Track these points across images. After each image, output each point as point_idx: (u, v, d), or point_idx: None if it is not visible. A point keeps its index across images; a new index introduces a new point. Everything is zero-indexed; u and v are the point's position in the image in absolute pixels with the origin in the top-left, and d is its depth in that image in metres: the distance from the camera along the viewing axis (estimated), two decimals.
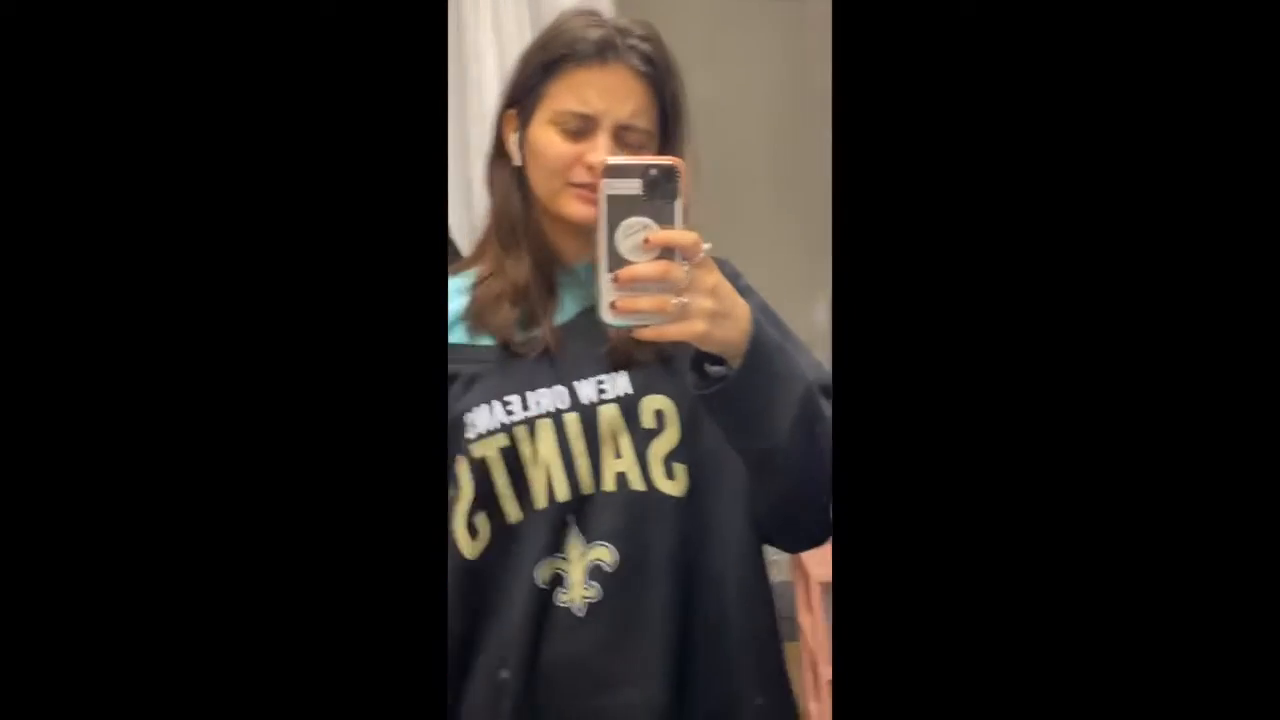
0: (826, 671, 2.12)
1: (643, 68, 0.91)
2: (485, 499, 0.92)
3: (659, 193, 0.81)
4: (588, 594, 0.91)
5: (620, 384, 0.93)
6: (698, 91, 0.97)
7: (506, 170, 0.97)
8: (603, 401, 0.92)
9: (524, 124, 0.94)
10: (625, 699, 0.89)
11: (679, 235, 0.79)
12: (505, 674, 0.91)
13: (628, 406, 0.92)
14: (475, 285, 0.97)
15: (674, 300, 0.79)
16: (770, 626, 0.97)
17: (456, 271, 1.01)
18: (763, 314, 0.88)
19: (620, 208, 0.80)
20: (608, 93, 0.91)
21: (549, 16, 1.68)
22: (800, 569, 2.31)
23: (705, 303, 0.79)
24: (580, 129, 0.91)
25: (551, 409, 0.92)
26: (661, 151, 0.93)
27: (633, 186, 0.81)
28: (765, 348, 0.83)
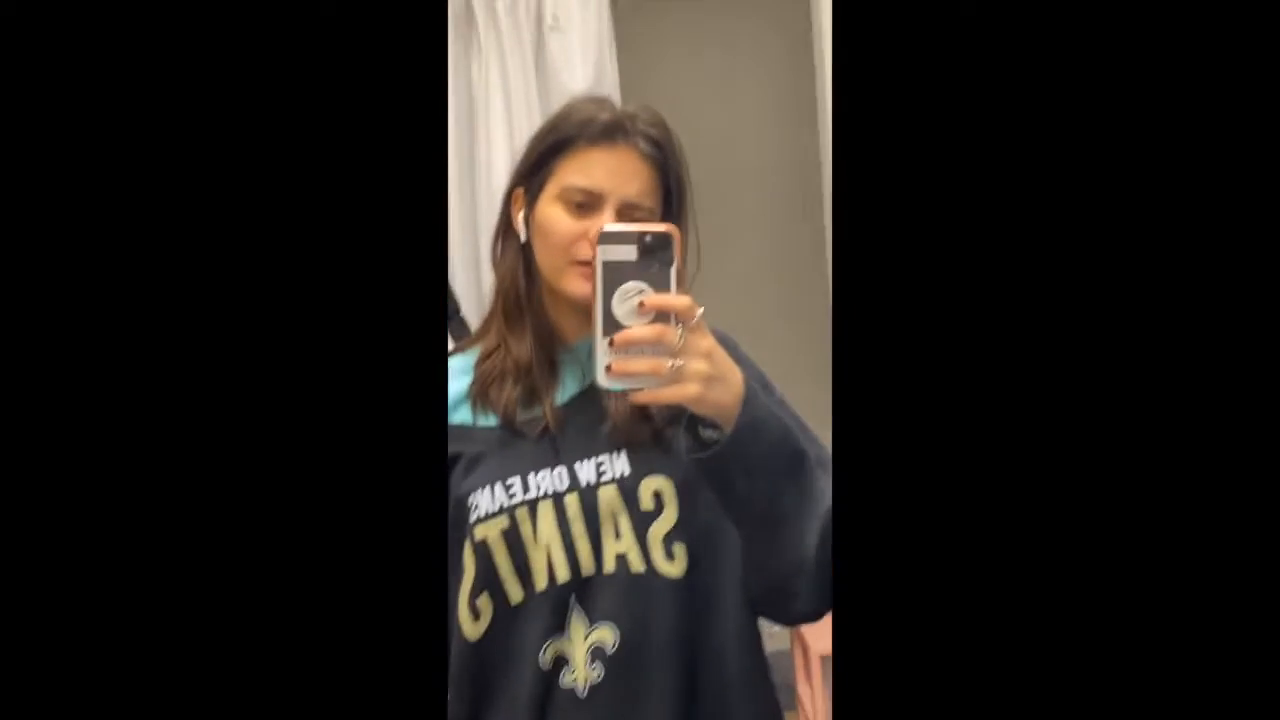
0: None
1: (649, 150, 0.93)
2: (487, 580, 0.92)
3: (655, 259, 0.82)
4: (591, 675, 0.90)
5: (619, 465, 0.93)
6: (700, 171, 0.99)
7: (513, 248, 0.98)
8: (602, 483, 0.92)
9: (531, 201, 0.95)
10: None
11: (674, 300, 0.79)
12: None
13: (627, 488, 0.92)
14: (479, 363, 0.98)
15: (669, 363, 0.79)
16: (771, 701, 0.97)
17: (463, 349, 1.02)
18: (759, 384, 0.89)
19: (616, 273, 0.81)
20: (614, 173, 0.92)
21: (558, 101, 1.76)
22: (799, 640, 2.30)
23: (700, 366, 0.79)
24: (586, 204, 0.92)
25: (551, 491, 0.92)
26: None
27: (629, 253, 0.81)
28: (758, 412, 0.83)
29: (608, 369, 0.80)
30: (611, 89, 2.02)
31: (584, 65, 2.04)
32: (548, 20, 2.02)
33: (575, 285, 0.91)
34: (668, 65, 2.74)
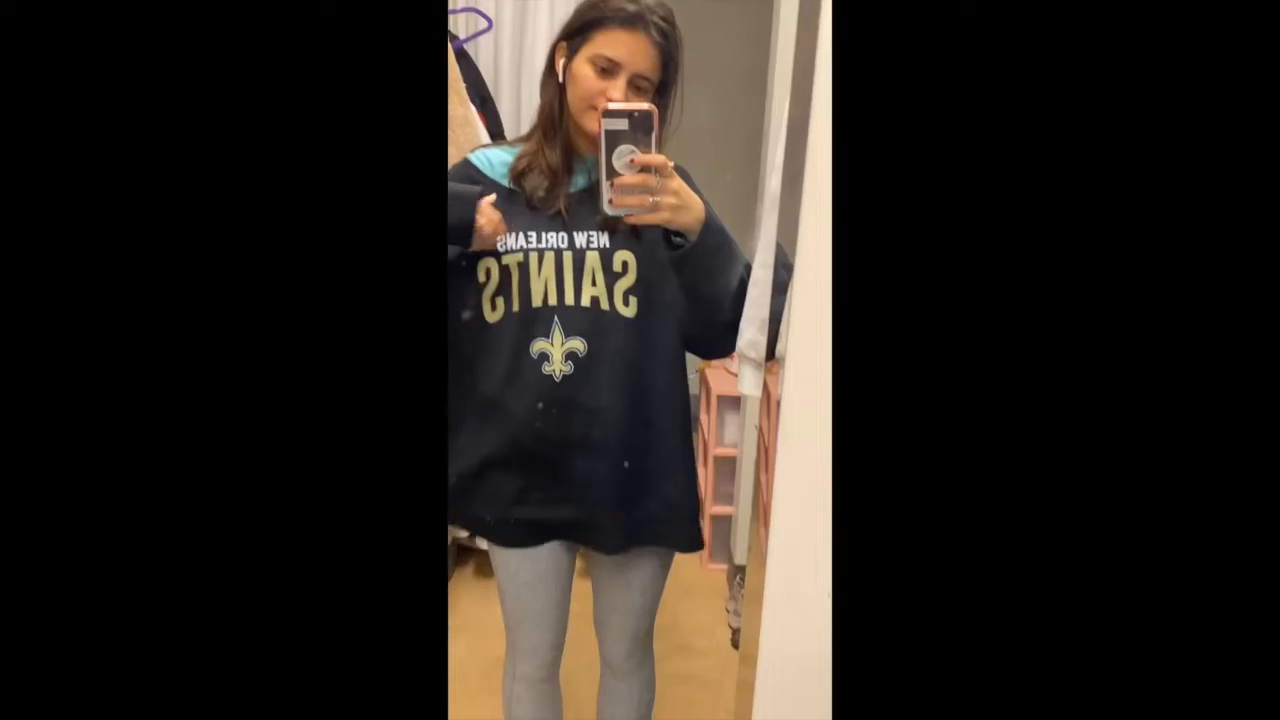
0: (715, 450, 2.40)
1: (658, 39, 1.02)
2: (503, 290, 1.06)
3: (640, 128, 0.92)
4: (564, 368, 1.06)
5: (603, 240, 1.07)
6: (688, 56, 1.08)
7: (552, 86, 1.08)
8: (589, 248, 1.06)
9: (570, 56, 1.04)
10: (592, 435, 1.07)
11: (653, 157, 0.92)
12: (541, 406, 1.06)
13: (605, 255, 1.06)
14: (520, 156, 1.10)
15: (650, 198, 0.93)
16: (686, 407, 1.14)
17: (513, 144, 1.15)
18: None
19: (615, 138, 0.92)
20: (632, 51, 1.01)
21: None
22: (705, 385, 2.54)
23: (670, 199, 0.94)
24: (608, 69, 1.01)
25: (555, 246, 1.06)
26: (659, 96, 1.04)
27: (623, 124, 0.92)
28: (713, 230, 0.98)
29: (610, 201, 0.93)
30: None
31: None
32: None
33: (591, 122, 1.03)
34: None
